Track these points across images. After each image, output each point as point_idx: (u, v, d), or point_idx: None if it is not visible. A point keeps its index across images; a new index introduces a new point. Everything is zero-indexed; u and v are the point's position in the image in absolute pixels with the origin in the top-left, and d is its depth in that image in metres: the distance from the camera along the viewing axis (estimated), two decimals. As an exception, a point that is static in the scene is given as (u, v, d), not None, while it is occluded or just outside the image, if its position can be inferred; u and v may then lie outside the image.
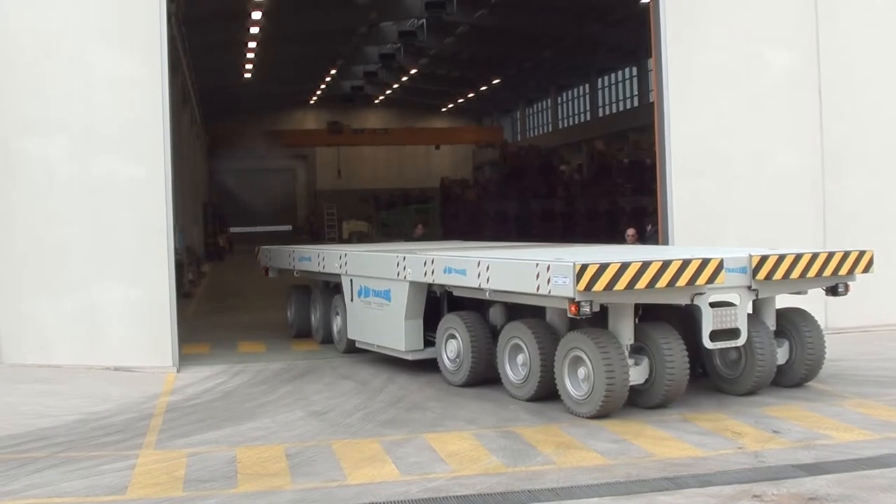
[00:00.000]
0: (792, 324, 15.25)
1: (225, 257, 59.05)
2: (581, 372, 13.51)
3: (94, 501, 10.16)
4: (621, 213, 48.14)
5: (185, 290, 32.57)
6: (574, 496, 10.02)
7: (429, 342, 16.95)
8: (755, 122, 20.52)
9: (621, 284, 12.79)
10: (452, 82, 76.64)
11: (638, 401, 13.87)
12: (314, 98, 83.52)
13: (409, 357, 17.05)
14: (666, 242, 19.94)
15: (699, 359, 14.96)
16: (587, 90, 72.25)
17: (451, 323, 16.24)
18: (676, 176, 19.98)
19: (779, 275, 14.25)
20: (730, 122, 20.41)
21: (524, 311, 15.09)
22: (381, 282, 17.63)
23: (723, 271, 13.42)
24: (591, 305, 12.90)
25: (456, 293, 16.17)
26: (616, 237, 31.66)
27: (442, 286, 16.36)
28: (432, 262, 16.09)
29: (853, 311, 20.50)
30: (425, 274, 16.26)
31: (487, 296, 15.05)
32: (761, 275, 14.14)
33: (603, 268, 12.69)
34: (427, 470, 10.96)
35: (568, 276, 12.82)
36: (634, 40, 47.48)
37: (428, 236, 44.68)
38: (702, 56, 20.30)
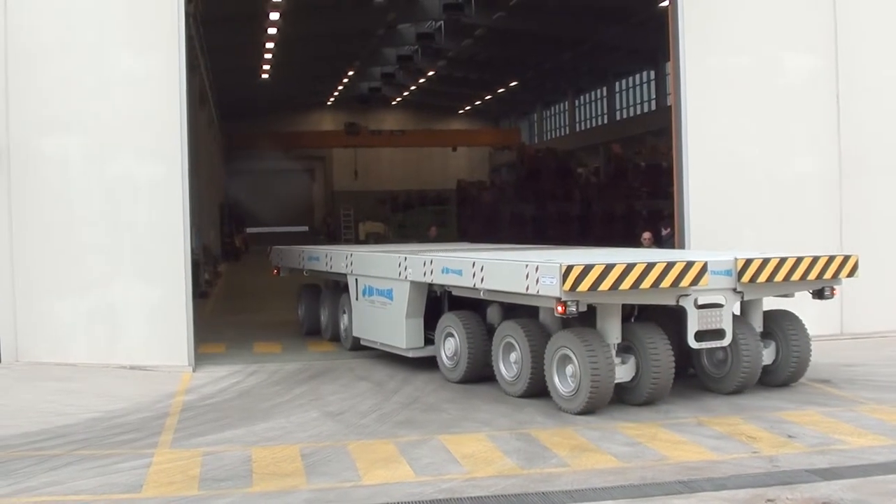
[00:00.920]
0: (778, 326, 15.66)
1: (241, 257, 59.14)
2: (569, 369, 13.97)
3: (109, 499, 10.20)
4: (637, 216, 48.03)
5: (202, 290, 32.65)
6: (588, 499, 10.03)
7: (429, 340, 17.43)
8: (773, 125, 20.49)
9: (606, 285, 13.26)
10: (470, 84, 76.60)
11: (625, 398, 14.36)
12: (331, 99, 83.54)
13: (410, 354, 17.54)
14: (682, 246, 19.91)
15: (692, 359, 15.42)
16: (605, 93, 72.13)
17: (449, 322, 16.73)
18: (693, 179, 19.96)
19: (763, 277, 14.65)
20: (747, 125, 20.39)
21: (520, 311, 15.54)
22: (383, 281, 18.15)
23: (707, 273, 13.87)
24: (577, 305, 13.37)
25: (455, 293, 16.55)
26: (632, 240, 31.57)
27: (440, 286, 16.79)
28: (431, 262, 16.61)
29: (870, 316, 20.52)
30: (424, 274, 16.79)
31: (482, 295, 15.50)
32: (746, 277, 14.54)
33: (588, 269, 13.16)
34: (442, 471, 10.98)
35: (555, 277, 13.32)
36: (652, 43, 47.47)
37: (444, 238, 44.80)
38: (720, 60, 20.28)
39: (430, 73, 71.67)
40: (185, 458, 11.70)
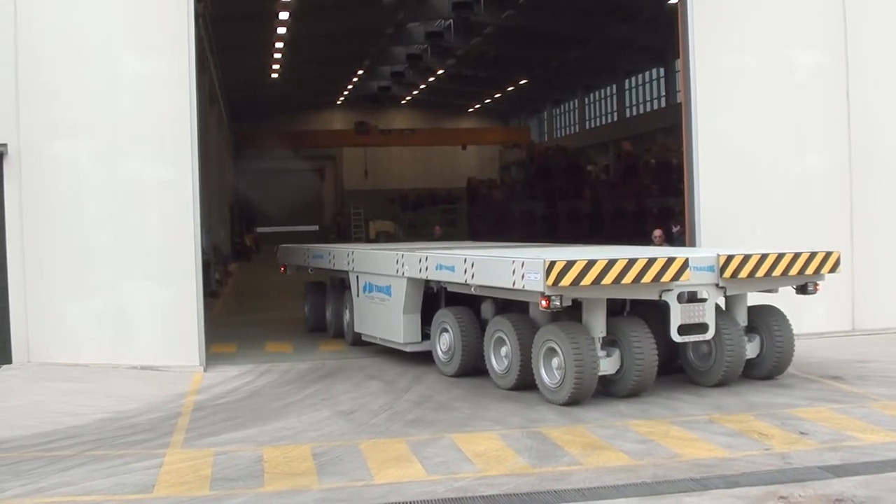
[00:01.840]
0: (763, 320, 16.03)
1: (252, 257, 59.21)
2: (554, 362, 14.43)
3: (121, 500, 10.22)
4: (648, 213, 47.96)
5: (212, 290, 32.72)
6: (600, 497, 10.02)
7: (426, 335, 17.92)
8: (783, 122, 20.45)
9: (588, 280, 13.75)
10: (479, 83, 76.52)
11: (610, 390, 14.83)
12: (341, 98, 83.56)
13: (408, 349, 18.08)
14: (693, 243, 19.88)
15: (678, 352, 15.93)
16: (614, 91, 72.03)
17: (443, 317, 17.23)
18: (704, 176, 19.94)
19: (744, 273, 15.08)
20: (757, 123, 20.36)
21: (513, 307, 15.95)
22: (382, 278, 18.71)
23: (688, 269, 14.41)
24: (561, 299, 13.89)
25: (450, 289, 17.05)
26: (643, 238, 31.56)
27: (435, 282, 17.29)
28: (426, 259, 17.13)
29: (881, 312, 20.49)
30: (420, 271, 17.33)
31: (473, 291, 16.08)
32: (728, 273, 14.98)
33: (570, 264, 13.65)
34: (453, 470, 10.98)
35: (538, 272, 13.79)
36: (662, 41, 47.35)
37: (454, 236, 44.81)
38: (729, 57, 20.23)
39: (440, 72, 71.62)
40: (196, 458, 11.71)
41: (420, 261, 17.28)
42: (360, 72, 71.77)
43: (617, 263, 13.90)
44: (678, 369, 16.01)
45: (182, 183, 18.06)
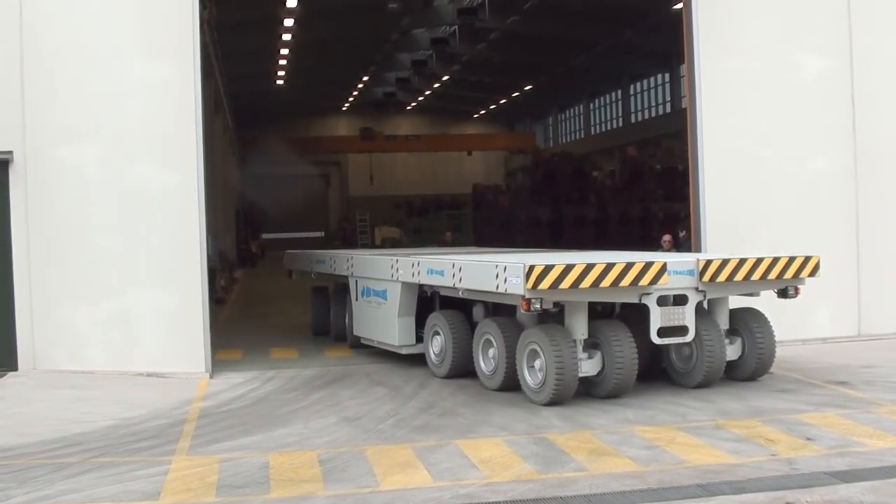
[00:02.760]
0: (744, 323, 16.39)
1: (257, 263, 59.23)
2: (537, 363, 14.85)
3: (127, 507, 10.23)
4: (654, 219, 47.92)
5: (218, 297, 32.72)
6: (606, 503, 9.99)
7: (421, 338, 18.37)
8: (788, 126, 20.44)
9: (566, 284, 14.20)
10: (484, 88, 76.50)
11: (592, 391, 15.19)
12: (346, 104, 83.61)
13: (403, 351, 18.61)
14: (699, 248, 19.84)
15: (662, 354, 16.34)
16: (619, 96, 71.99)
17: (436, 321, 17.75)
18: (709, 181, 19.91)
19: (723, 277, 15.41)
20: (762, 126, 20.34)
21: (503, 310, 16.38)
22: (379, 282, 19.30)
23: (665, 273, 14.76)
24: (541, 302, 14.34)
25: (442, 293, 17.53)
26: (648, 244, 31.56)
27: (429, 286, 17.73)
28: (418, 264, 17.70)
29: (888, 317, 20.46)
30: (413, 275, 17.85)
31: (461, 294, 16.58)
32: (707, 277, 15.28)
33: (548, 269, 14.12)
34: (459, 476, 10.95)
35: (519, 276, 14.31)
36: (667, 45, 47.32)
37: (460, 242, 44.79)
38: (734, 61, 20.22)
39: (445, 78, 71.63)
40: (202, 464, 11.70)
41: (413, 265, 17.82)
42: (366, 78, 71.84)
43: (595, 268, 14.34)
44: (662, 371, 16.34)
45: (188, 188, 18.07)
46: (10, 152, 17.94)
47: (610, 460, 11.50)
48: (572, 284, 14.21)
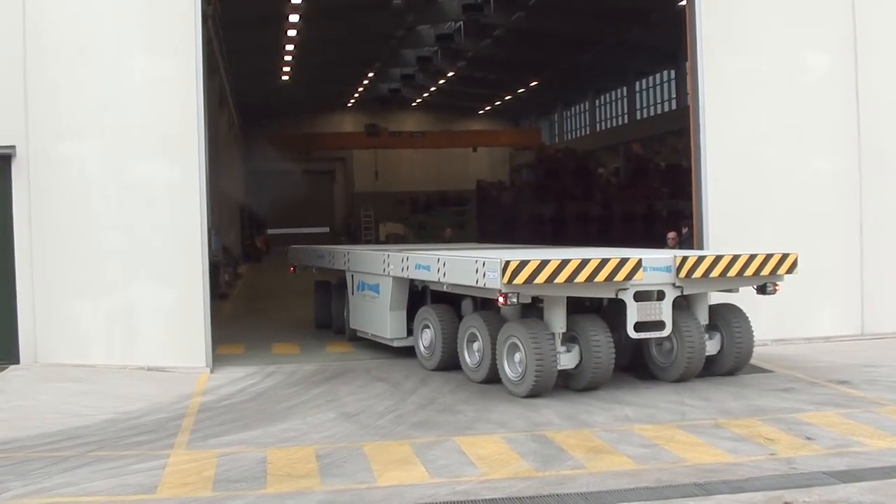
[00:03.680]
0: (723, 318, 16.71)
1: (262, 258, 59.21)
2: (517, 356, 15.21)
3: (123, 500, 10.21)
4: (657, 216, 47.83)
5: (221, 291, 32.75)
6: (603, 501, 9.98)
7: (412, 331, 18.79)
8: (792, 125, 20.36)
9: (541, 278, 14.48)
10: (490, 85, 76.37)
11: (570, 384, 15.53)
12: (352, 101, 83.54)
13: (395, 344, 19.01)
14: (701, 246, 19.81)
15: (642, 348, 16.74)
16: (625, 93, 71.91)
17: (426, 314, 18.17)
18: (711, 179, 19.86)
19: (699, 273, 15.70)
20: (766, 125, 20.27)
21: (490, 305, 16.48)
22: (372, 277, 19.72)
23: (640, 270, 15.08)
24: (518, 297, 14.68)
25: (432, 287, 17.86)
26: (653, 240, 31.49)
27: (420, 281, 18.05)
28: (407, 259, 18.07)
29: (891, 316, 20.42)
30: (402, 270, 18.25)
31: (445, 288, 16.92)
32: (683, 273, 15.59)
33: (523, 264, 14.38)
34: (456, 473, 10.94)
35: (496, 271, 14.55)
36: (672, 42, 47.23)
37: (463, 238, 44.82)
38: (738, 59, 20.15)
39: (450, 74, 71.52)
40: (200, 459, 11.70)
41: (402, 260, 18.20)
42: (371, 74, 71.74)
43: (570, 263, 14.61)
44: (643, 366, 16.67)
45: (190, 184, 18.05)
46: (13, 147, 17.91)
47: (608, 458, 11.48)
48: (547, 279, 14.51)
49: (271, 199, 71.06)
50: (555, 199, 61.47)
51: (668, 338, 15.94)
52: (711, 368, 16.57)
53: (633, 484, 10.45)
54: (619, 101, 73.42)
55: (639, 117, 69.40)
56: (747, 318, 16.75)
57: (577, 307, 15.74)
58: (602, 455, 11.62)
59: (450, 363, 17.36)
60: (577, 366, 15.33)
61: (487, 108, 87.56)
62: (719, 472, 10.85)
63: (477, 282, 15.32)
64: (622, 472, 10.93)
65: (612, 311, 15.80)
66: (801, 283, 19.38)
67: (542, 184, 66.46)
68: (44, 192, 18.02)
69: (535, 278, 14.43)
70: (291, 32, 49.91)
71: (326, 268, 22.98)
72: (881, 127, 20.73)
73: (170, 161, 18.17)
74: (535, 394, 14.84)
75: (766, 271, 16.23)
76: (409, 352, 18.72)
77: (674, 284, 15.67)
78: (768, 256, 16.24)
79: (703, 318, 16.48)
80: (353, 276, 20.87)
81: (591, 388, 15.30)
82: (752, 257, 16.13)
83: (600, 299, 15.94)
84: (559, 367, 15.07)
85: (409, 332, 18.84)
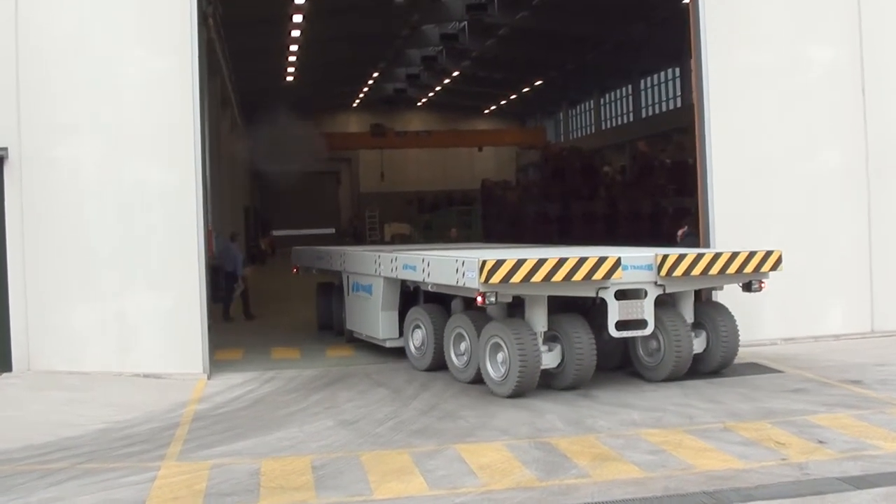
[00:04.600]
0: (709, 317, 16.63)
1: (267, 261, 58.91)
2: (499, 356, 15.17)
3: (110, 516, 9.87)
4: (664, 214, 47.45)
5: (223, 294, 32.35)
6: (608, 512, 9.61)
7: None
8: (797, 121, 19.99)
9: (517, 277, 14.45)
10: (495, 84, 76.19)
11: (552, 383, 15.46)
12: (357, 101, 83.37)
13: (387, 345, 19.05)
14: (707, 244, 19.43)
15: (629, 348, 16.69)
16: (630, 91, 71.59)
17: (417, 315, 18.14)
18: (717, 176, 19.51)
19: (679, 271, 15.56)
20: (771, 121, 19.90)
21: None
22: (365, 277, 19.80)
23: (619, 269, 14.99)
24: (496, 296, 14.59)
25: (423, 287, 17.55)
26: (661, 238, 31.17)
27: (412, 281, 17.87)
28: (395, 259, 18.12)
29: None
30: (392, 270, 18.27)
31: (430, 288, 16.87)
32: (664, 271, 15.49)
33: (500, 263, 14.37)
34: (456, 484, 10.55)
35: (474, 270, 14.56)
36: (677, 40, 46.84)
37: (469, 238, 44.52)
38: (742, 55, 19.79)
39: (455, 74, 71.39)
40: (191, 471, 11.32)
41: (392, 261, 18.22)
42: (376, 74, 71.64)
43: (546, 262, 14.57)
44: (630, 364, 16.67)
45: (186, 187, 17.69)
46: (5, 149, 17.56)
47: (614, 466, 11.09)
48: (524, 278, 14.45)
49: (277, 200, 70.83)
50: (561, 198, 61.06)
51: (655, 337, 15.90)
52: (697, 367, 16.47)
53: (639, 493, 10.07)
54: (625, 100, 73.12)
55: (644, 115, 69.05)
56: (733, 316, 16.68)
57: (568, 306, 15.72)
58: (608, 462, 11.22)
59: (440, 363, 17.23)
60: (560, 365, 15.30)
61: (493, 107, 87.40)
62: (729, 479, 10.46)
63: (457, 281, 15.35)
64: (628, 480, 10.54)
65: (602, 311, 15.61)
66: (809, 280, 19.16)
67: (547, 183, 66.05)
68: (37, 194, 17.67)
69: (511, 277, 14.40)
70: (295, 33, 49.71)
71: (325, 269, 23.00)
72: (888, 121, 20.34)
73: (166, 163, 17.82)
74: (518, 394, 14.82)
75: (749, 269, 16.06)
76: (409, 358, 18.37)
77: (655, 283, 15.59)
78: (751, 254, 16.08)
79: (689, 316, 16.43)
80: (348, 276, 20.90)
81: (573, 387, 15.27)
82: (734, 255, 16.01)
83: (591, 298, 15.66)
84: (542, 367, 15.02)
85: (402, 332, 18.76)
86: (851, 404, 14.03)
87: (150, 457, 12.09)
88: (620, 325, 15.37)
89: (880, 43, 20.31)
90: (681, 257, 15.62)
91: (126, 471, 11.41)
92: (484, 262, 14.32)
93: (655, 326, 15.64)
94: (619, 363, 16.76)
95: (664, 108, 65.81)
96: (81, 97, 17.85)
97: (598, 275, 14.82)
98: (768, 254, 16.15)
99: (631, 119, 71.66)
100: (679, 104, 62.07)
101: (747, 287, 16.52)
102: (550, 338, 15.34)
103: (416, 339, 18.04)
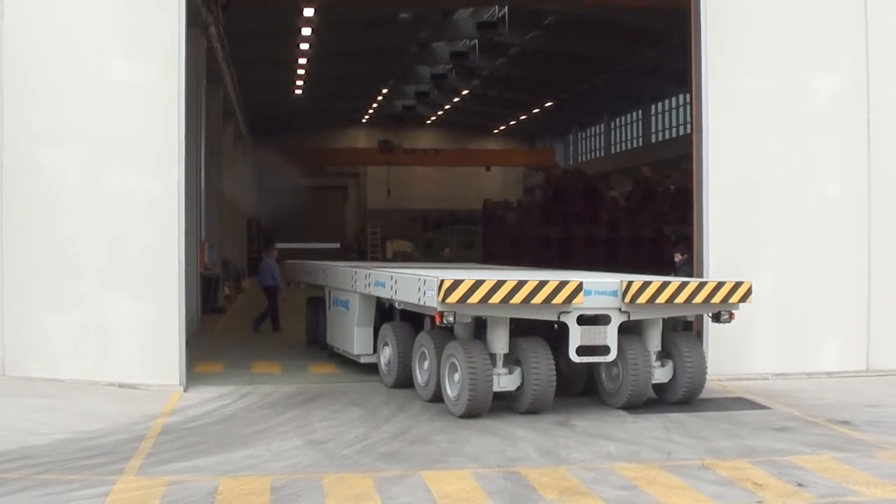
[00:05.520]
0: (676, 346, 16.37)
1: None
2: (455, 376, 15.20)
3: (53, 533, 9.51)
4: (666, 240, 47.01)
5: (218, 306, 32.15)
6: (569, 550, 9.22)
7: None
8: (799, 148, 19.55)
9: (475, 298, 14.50)
10: (504, 104, 75.98)
11: (512, 405, 15.45)
12: (366, 117, 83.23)
13: (361, 360, 19.08)
14: (700, 272, 19.06)
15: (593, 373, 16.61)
16: (640, 115, 71.34)
17: (385, 332, 18.28)
18: (714, 203, 19.11)
19: (643, 299, 15.35)
20: (772, 148, 19.45)
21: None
22: (344, 293, 19.91)
23: (581, 293, 14.90)
24: (454, 316, 14.64)
25: (396, 305, 17.41)
26: (661, 265, 30.80)
27: (387, 298, 17.72)
28: (369, 276, 18.21)
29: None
30: (366, 286, 18.33)
31: (397, 306, 17.08)
32: (628, 298, 15.28)
33: (457, 283, 14.42)
34: (415, 513, 10.16)
35: (434, 289, 14.60)
36: (687, 67, 46.65)
37: (470, 258, 44.22)
38: (744, 81, 19.38)
39: (465, 92, 71.21)
40: (147, 486, 10.96)
41: (366, 277, 18.31)
42: (385, 90, 71.47)
43: (505, 284, 14.58)
44: (595, 390, 16.56)
45: (168, 196, 17.40)
46: (-14, 153, 17.31)
47: (581, 501, 10.66)
48: (481, 299, 14.49)
49: (283, 213, 70.53)
50: (562, 221, 60.58)
51: (616, 363, 15.75)
52: (663, 396, 16.44)
53: (604, 531, 9.68)
54: (635, 124, 72.86)
55: (654, 140, 68.77)
56: (700, 346, 16.73)
57: (535, 330, 15.67)
58: (575, 497, 10.81)
59: (406, 380, 17.26)
60: (519, 388, 15.20)
61: (502, 127, 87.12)
62: (700, 520, 10.07)
63: (419, 300, 15.44)
64: (595, 516, 10.15)
65: (565, 335, 15.48)
66: (804, 314, 18.78)
67: (549, 205, 65.57)
68: (16, 200, 17.38)
69: (468, 298, 14.43)
70: (304, 46, 49.52)
71: (312, 283, 23.08)
72: (892, 150, 19.85)
73: (148, 172, 17.54)
74: (470, 414, 14.81)
75: (716, 299, 15.83)
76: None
77: (620, 309, 15.40)
78: (720, 284, 15.88)
79: (656, 344, 16.23)
80: (329, 291, 21.02)
81: (532, 411, 15.15)
82: (702, 284, 15.88)
83: (554, 322, 15.55)
84: (499, 389, 15.03)
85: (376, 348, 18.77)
86: (837, 446, 13.58)
87: (109, 470, 11.73)
88: (583, 351, 15.27)
89: (886, 72, 19.82)
90: (645, 284, 15.42)
91: (80, 484, 11.06)
92: (442, 282, 14.37)
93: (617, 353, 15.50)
94: (584, 389, 16.67)
95: (674, 134, 65.53)
96: (64, 104, 17.59)
97: (559, 299, 14.78)
98: (737, 284, 15.92)
99: (640, 143, 71.36)
100: (688, 130, 61.71)
101: (716, 318, 16.31)
102: (513, 360, 15.24)
103: (385, 355, 18.11)
